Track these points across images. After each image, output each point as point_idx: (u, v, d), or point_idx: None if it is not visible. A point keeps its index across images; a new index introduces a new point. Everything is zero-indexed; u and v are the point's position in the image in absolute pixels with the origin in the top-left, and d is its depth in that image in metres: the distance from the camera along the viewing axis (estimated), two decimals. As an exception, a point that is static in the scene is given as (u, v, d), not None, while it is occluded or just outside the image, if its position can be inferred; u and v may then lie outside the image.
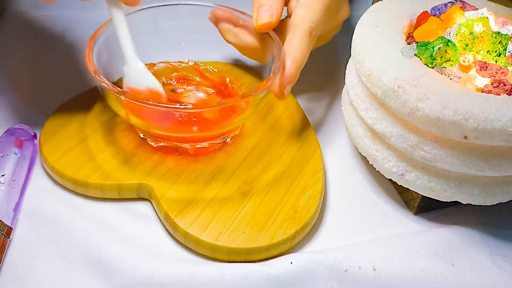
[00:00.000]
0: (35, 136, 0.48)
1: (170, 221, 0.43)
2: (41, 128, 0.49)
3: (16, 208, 0.43)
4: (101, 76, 0.43)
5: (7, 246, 0.41)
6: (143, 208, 0.46)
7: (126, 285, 0.40)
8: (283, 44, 0.48)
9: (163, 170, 0.46)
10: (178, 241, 0.43)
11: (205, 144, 0.48)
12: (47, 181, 0.46)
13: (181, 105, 0.42)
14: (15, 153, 0.46)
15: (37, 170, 0.47)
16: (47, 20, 0.65)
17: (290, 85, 0.47)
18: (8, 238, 0.41)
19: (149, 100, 0.41)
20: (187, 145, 0.47)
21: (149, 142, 0.48)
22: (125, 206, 0.45)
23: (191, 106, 0.43)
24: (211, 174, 0.47)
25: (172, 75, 0.53)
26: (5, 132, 0.48)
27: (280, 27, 0.50)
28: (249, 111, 0.46)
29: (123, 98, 0.42)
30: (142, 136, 0.48)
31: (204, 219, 0.43)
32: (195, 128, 0.44)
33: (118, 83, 0.49)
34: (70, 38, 0.62)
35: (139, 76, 0.46)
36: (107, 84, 0.43)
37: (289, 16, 0.51)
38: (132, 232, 0.43)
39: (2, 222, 0.41)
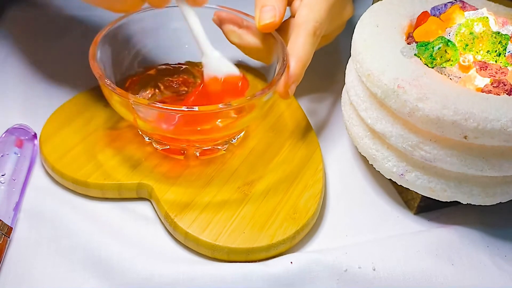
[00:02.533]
0: (35, 135, 0.48)
1: (170, 221, 0.43)
2: (41, 128, 0.49)
3: (16, 208, 0.43)
4: (107, 80, 0.43)
5: (7, 246, 0.41)
6: (143, 208, 0.46)
7: (126, 285, 0.40)
8: (286, 45, 0.48)
9: (163, 170, 0.46)
10: (178, 241, 0.43)
11: (211, 146, 0.48)
12: (47, 180, 0.46)
13: (187, 108, 0.41)
14: (15, 153, 0.46)
15: (37, 169, 0.47)
16: (47, 20, 0.65)
17: (295, 84, 0.47)
18: (8, 237, 0.41)
19: (155, 103, 0.41)
20: (193, 148, 0.47)
21: (154, 146, 0.48)
22: (125, 206, 0.45)
23: (197, 109, 0.42)
24: (211, 174, 0.47)
25: (175, 77, 0.53)
26: (5, 131, 0.48)
27: (284, 27, 0.50)
28: (254, 113, 0.46)
29: (131, 101, 0.41)
30: (148, 140, 0.48)
31: (204, 219, 0.43)
32: (199, 130, 0.44)
33: (120, 85, 0.49)
34: (70, 38, 0.62)
35: (218, 64, 0.47)
36: (113, 88, 0.42)
37: (292, 16, 0.51)
38: (132, 232, 0.43)
39: (2, 221, 0.41)
